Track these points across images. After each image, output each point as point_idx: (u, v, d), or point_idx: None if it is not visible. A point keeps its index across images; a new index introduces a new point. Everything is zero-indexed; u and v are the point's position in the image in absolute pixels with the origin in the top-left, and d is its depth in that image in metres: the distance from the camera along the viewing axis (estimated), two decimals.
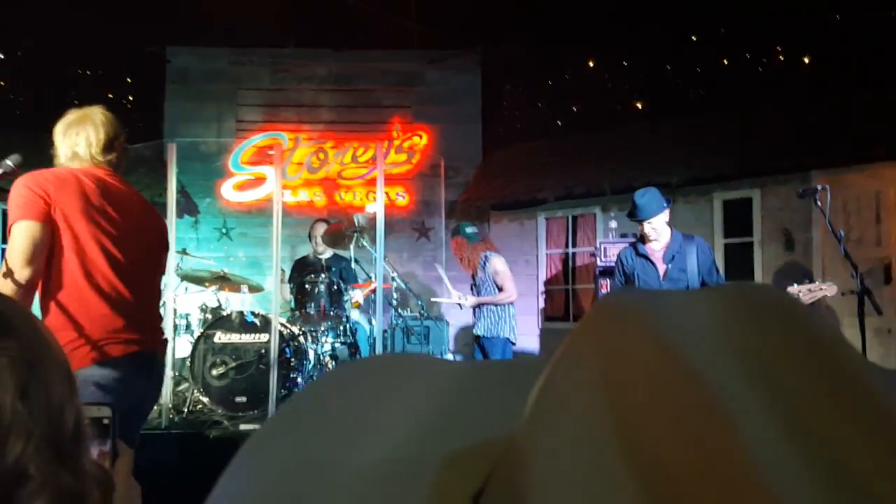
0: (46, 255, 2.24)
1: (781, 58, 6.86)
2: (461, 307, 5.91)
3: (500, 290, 5.72)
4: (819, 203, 3.90)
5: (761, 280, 6.27)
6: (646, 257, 4.32)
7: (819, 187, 3.94)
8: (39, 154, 2.69)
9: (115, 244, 2.39)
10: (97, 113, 2.49)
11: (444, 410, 0.31)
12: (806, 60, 6.68)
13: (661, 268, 4.24)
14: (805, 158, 5.90)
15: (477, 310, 5.79)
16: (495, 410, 0.31)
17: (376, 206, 5.76)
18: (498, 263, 5.74)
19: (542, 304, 7.87)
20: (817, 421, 0.23)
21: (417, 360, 0.39)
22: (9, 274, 2.13)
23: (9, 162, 2.21)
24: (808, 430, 0.22)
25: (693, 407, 0.23)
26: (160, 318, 2.70)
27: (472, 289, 5.92)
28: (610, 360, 0.26)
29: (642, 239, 4.35)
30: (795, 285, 3.84)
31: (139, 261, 2.52)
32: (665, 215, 4.24)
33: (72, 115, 2.48)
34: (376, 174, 6.07)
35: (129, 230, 2.49)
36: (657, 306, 0.28)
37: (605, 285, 6.32)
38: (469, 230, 5.88)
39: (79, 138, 2.42)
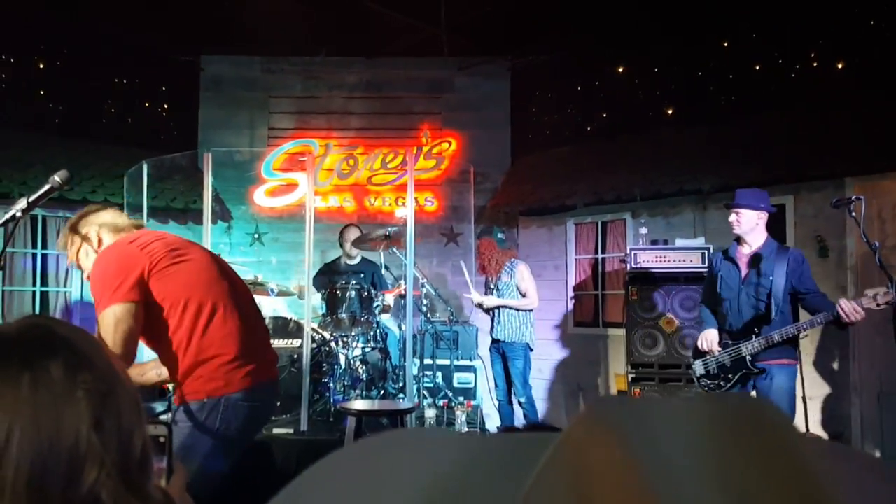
0: (139, 334, 2.27)
1: (815, 63, 6.78)
2: (481, 307, 5.95)
3: (524, 296, 5.80)
4: (853, 213, 3.86)
5: None
6: (732, 260, 4.33)
7: (853, 197, 3.90)
8: (76, 161, 2.79)
9: (215, 274, 2.46)
10: (94, 206, 2.59)
11: (445, 487, 0.32)
12: (840, 66, 6.59)
13: (745, 272, 4.24)
14: (839, 165, 5.82)
15: (496, 314, 5.85)
16: (493, 488, 0.32)
17: (406, 212, 5.82)
18: (525, 270, 5.86)
19: (570, 309, 7.86)
20: None
21: (420, 435, 0.40)
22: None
23: (56, 178, 2.29)
24: None
25: None
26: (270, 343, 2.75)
27: (489, 292, 5.96)
28: (584, 474, 0.28)
29: (737, 241, 4.34)
30: (869, 293, 3.76)
31: (239, 284, 2.59)
32: (758, 216, 4.17)
33: (84, 210, 2.56)
34: (405, 180, 6.14)
35: (213, 259, 2.56)
36: (640, 419, 0.29)
37: (635, 292, 6.30)
38: (500, 235, 6.00)
39: (105, 216, 2.52)
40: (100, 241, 2.48)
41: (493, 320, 5.93)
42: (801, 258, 4.11)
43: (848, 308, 3.72)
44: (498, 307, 5.82)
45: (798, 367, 4.14)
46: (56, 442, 0.72)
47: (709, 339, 4.31)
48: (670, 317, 6.15)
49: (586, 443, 0.29)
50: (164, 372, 2.46)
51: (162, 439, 0.97)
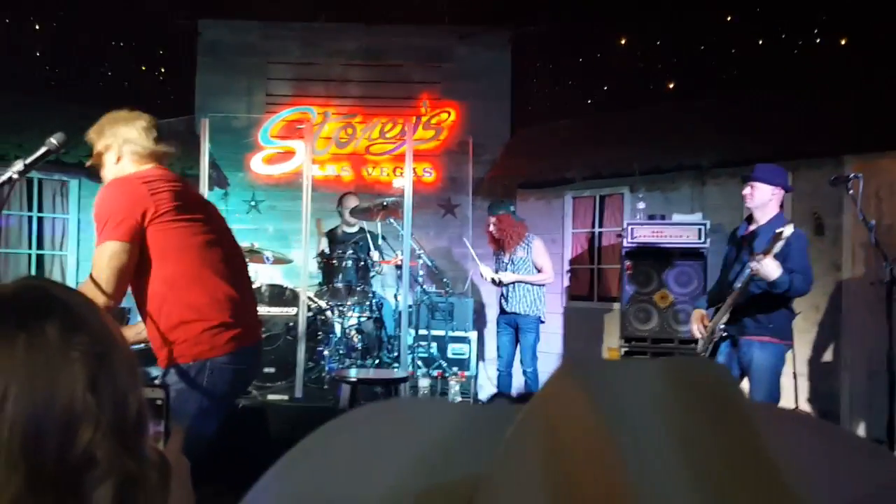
0: (131, 274, 2.30)
1: (817, 40, 6.72)
2: (496, 283, 5.94)
3: (540, 271, 5.82)
4: (851, 191, 3.86)
5: None
6: (735, 239, 4.30)
7: (852, 175, 3.90)
8: (72, 125, 2.76)
9: (212, 235, 2.47)
10: (132, 113, 2.55)
11: (436, 452, 0.34)
12: (842, 43, 6.54)
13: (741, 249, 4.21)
14: (838, 143, 5.81)
15: (510, 288, 5.85)
16: (475, 450, 0.34)
17: (404, 182, 5.80)
18: (541, 245, 5.90)
19: (566, 283, 7.88)
20: (718, 474, 0.27)
21: (413, 404, 0.43)
22: (100, 289, 2.21)
23: (53, 140, 2.27)
24: (708, 481, 0.27)
25: (615, 482, 0.28)
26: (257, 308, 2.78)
27: (502, 267, 5.94)
28: (554, 431, 0.30)
29: (748, 220, 4.29)
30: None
31: (232, 249, 2.61)
32: (772, 191, 4.08)
33: (116, 112, 2.53)
34: (404, 150, 6.11)
35: (214, 220, 2.57)
36: (608, 380, 0.31)
37: (631, 267, 6.32)
38: (512, 208, 6.00)
39: (135, 130, 2.48)
40: (118, 158, 2.49)
41: (505, 294, 5.93)
42: (797, 236, 3.99)
43: (755, 266, 3.75)
44: (514, 283, 5.82)
45: (784, 345, 4.06)
46: (51, 402, 0.72)
47: (691, 319, 4.38)
48: (665, 292, 6.18)
49: (557, 402, 0.31)
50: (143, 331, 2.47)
51: (159, 402, 0.98)
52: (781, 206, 4.26)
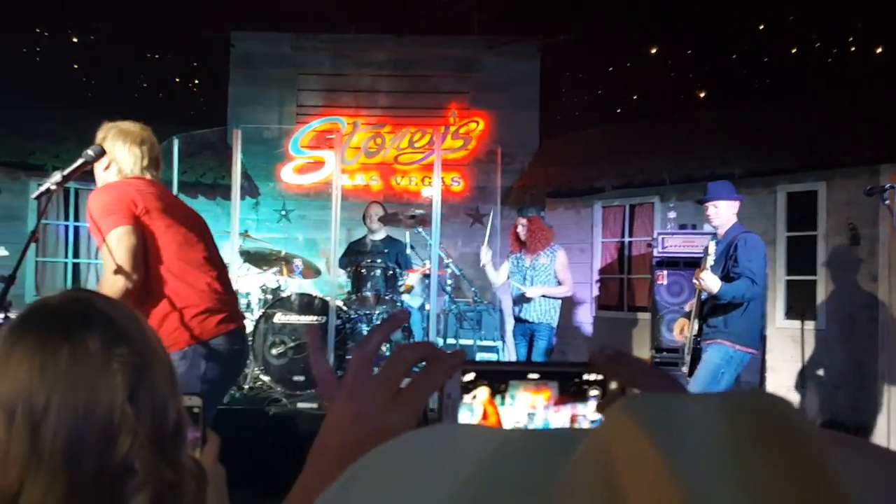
0: (143, 252, 2.42)
1: (852, 48, 6.62)
2: (524, 296, 5.88)
3: (561, 283, 5.76)
4: (888, 201, 3.79)
5: (826, 273, 6.12)
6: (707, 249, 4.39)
7: (888, 186, 3.83)
8: None
9: (194, 232, 2.61)
10: (147, 132, 2.70)
11: (483, 481, 0.33)
12: (878, 51, 6.43)
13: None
14: (873, 152, 5.71)
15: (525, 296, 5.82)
16: (526, 483, 0.33)
17: (432, 192, 5.81)
18: (565, 257, 5.84)
19: (596, 293, 7.83)
20: None
21: (459, 432, 0.41)
22: (120, 272, 2.31)
23: (90, 152, 2.33)
24: None
25: None
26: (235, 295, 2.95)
27: (518, 271, 5.89)
28: (613, 473, 0.29)
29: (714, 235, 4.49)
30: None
31: (212, 244, 2.75)
32: (732, 205, 4.31)
33: (131, 127, 2.66)
34: (432, 159, 6.12)
35: (194, 220, 2.72)
36: (669, 419, 0.29)
37: (662, 276, 6.26)
38: (543, 214, 5.97)
39: (127, 153, 2.61)
40: (107, 167, 2.61)
41: (517, 300, 5.89)
42: (745, 241, 4.13)
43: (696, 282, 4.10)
44: (541, 296, 5.78)
45: (735, 349, 4.14)
46: (92, 412, 0.74)
47: (674, 328, 4.67)
48: (693, 302, 6.10)
49: (615, 443, 0.30)
50: None
51: (196, 410, 0.99)
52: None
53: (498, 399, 0.60)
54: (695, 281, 4.16)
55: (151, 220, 2.44)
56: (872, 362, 5.79)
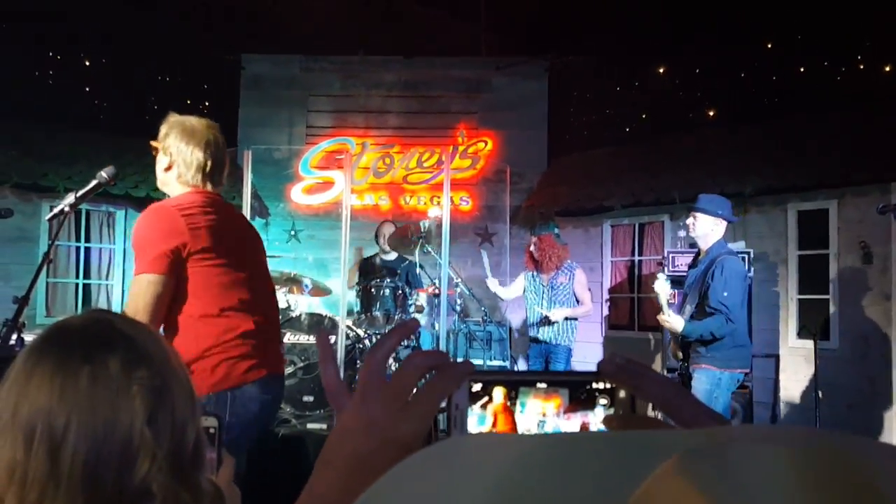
0: (167, 306, 2.30)
1: (861, 66, 6.62)
2: (546, 318, 5.81)
3: (580, 302, 5.71)
4: None
5: (838, 292, 6.07)
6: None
7: None
8: (120, 157, 2.86)
9: (243, 270, 2.46)
10: (214, 131, 2.50)
11: (513, 490, 0.32)
12: (886, 68, 6.43)
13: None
14: (885, 170, 5.68)
15: (542, 316, 5.77)
16: (559, 490, 0.32)
17: (441, 211, 5.82)
18: (583, 276, 5.83)
19: (606, 312, 7.79)
20: None
21: (481, 442, 0.40)
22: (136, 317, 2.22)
23: (103, 174, 2.34)
24: None
25: None
26: (281, 337, 2.79)
27: (535, 290, 5.85)
28: None
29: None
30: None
31: (262, 282, 2.60)
32: (714, 222, 4.21)
33: (196, 125, 2.47)
34: (441, 179, 6.14)
35: (249, 252, 2.57)
36: (729, 474, 0.27)
37: (673, 296, 6.22)
38: (556, 230, 5.91)
39: (190, 155, 2.44)
40: (168, 168, 2.48)
41: (536, 321, 5.83)
42: (721, 268, 4.01)
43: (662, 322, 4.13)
44: (563, 318, 5.73)
45: (722, 373, 4.07)
46: (111, 434, 0.73)
47: (669, 350, 4.74)
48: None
49: (677, 496, 0.27)
50: None
51: (212, 430, 0.99)
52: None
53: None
54: (658, 318, 4.17)
55: (196, 260, 2.31)
56: (886, 381, 5.73)
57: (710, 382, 4.08)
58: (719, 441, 0.32)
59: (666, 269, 6.21)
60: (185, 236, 2.27)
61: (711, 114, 7.85)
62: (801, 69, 7.06)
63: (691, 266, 4.45)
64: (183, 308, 2.35)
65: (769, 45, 7.31)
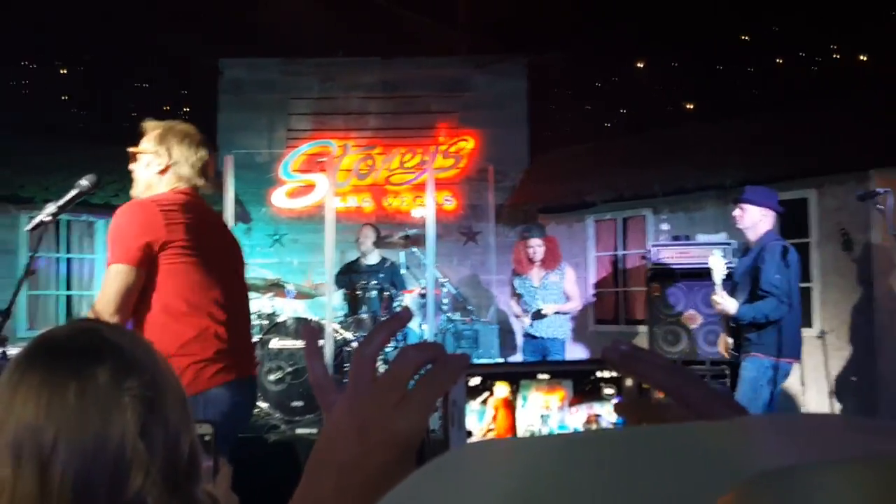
0: (136, 298, 2.30)
1: (837, 56, 6.70)
2: (539, 313, 5.86)
3: (570, 298, 5.80)
4: (880, 206, 3.81)
5: (820, 280, 6.13)
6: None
7: (880, 191, 3.85)
8: (98, 166, 2.81)
9: (216, 272, 2.46)
10: (199, 135, 2.53)
11: (530, 493, 0.30)
12: (862, 58, 6.51)
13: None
14: (862, 157, 5.75)
15: (538, 312, 5.82)
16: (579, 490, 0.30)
17: (424, 212, 5.81)
18: (573, 274, 5.93)
19: (592, 306, 7.82)
20: None
21: (507, 445, 0.38)
22: (96, 316, 2.20)
23: (84, 182, 2.31)
24: None
25: None
26: (252, 341, 2.77)
27: (524, 291, 5.87)
28: None
29: None
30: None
31: (235, 286, 2.59)
32: (761, 213, 4.14)
33: (188, 128, 2.50)
34: (424, 179, 6.14)
35: (225, 255, 2.57)
36: (800, 500, 0.25)
37: (657, 289, 6.25)
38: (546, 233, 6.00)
39: (192, 155, 2.46)
40: (162, 171, 2.47)
41: (532, 317, 5.87)
42: (772, 253, 3.99)
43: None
44: (554, 312, 5.80)
45: (770, 360, 3.99)
46: (101, 449, 0.72)
47: (718, 341, 4.46)
48: (693, 313, 6.10)
49: None
50: None
51: (207, 438, 0.97)
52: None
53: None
54: (712, 300, 4.07)
55: (170, 256, 2.30)
56: (870, 367, 5.80)
57: (757, 370, 3.99)
58: (774, 455, 0.29)
59: (650, 262, 6.24)
60: (161, 231, 2.27)
61: (690, 107, 7.92)
62: (778, 62, 7.13)
63: (742, 256, 4.40)
64: (154, 303, 2.34)
65: (746, 39, 7.37)
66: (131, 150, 2.48)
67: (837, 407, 5.94)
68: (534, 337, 5.86)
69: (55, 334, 0.80)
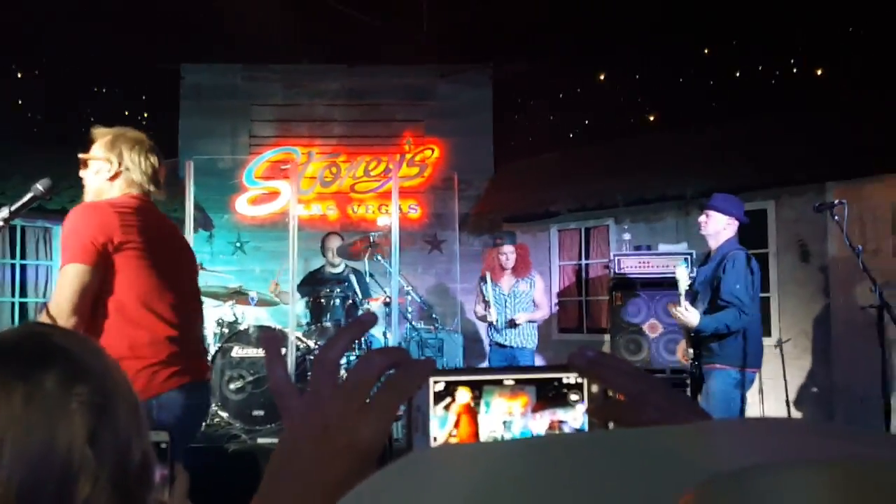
0: (93, 298, 2.27)
1: (794, 69, 6.86)
2: (511, 322, 5.83)
3: (539, 307, 5.81)
4: (836, 217, 3.90)
5: (778, 290, 6.25)
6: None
7: (836, 202, 3.94)
8: (55, 171, 2.74)
9: (169, 276, 2.45)
10: (149, 142, 2.53)
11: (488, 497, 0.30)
12: (819, 71, 6.68)
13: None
14: (820, 170, 5.89)
15: (506, 321, 5.81)
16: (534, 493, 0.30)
17: (390, 220, 5.80)
18: (542, 283, 5.97)
19: (555, 315, 7.87)
20: None
21: (450, 453, 0.37)
22: (52, 318, 2.17)
23: (39, 186, 2.25)
24: None
25: None
26: (205, 346, 2.76)
27: (494, 299, 5.85)
28: None
29: None
30: None
31: (187, 290, 2.59)
32: (727, 220, 4.15)
33: (139, 135, 2.51)
34: (388, 187, 6.12)
35: (177, 260, 2.57)
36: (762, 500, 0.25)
37: (619, 298, 6.31)
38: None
39: (143, 162, 2.46)
40: (114, 177, 2.46)
41: (500, 328, 5.85)
42: (733, 262, 4.00)
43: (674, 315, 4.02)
44: (526, 321, 5.80)
45: (736, 371, 4.00)
46: (48, 457, 0.69)
47: (677, 350, 4.47)
48: (654, 322, 6.17)
49: None
50: None
51: (163, 445, 0.94)
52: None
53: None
54: (672, 311, 4.02)
55: (123, 258, 2.29)
56: (826, 376, 5.92)
57: (726, 382, 3.98)
58: (735, 458, 0.29)
59: (612, 270, 6.30)
60: (116, 231, 2.27)
61: (652, 118, 8.02)
62: (738, 74, 7.27)
63: (702, 265, 4.38)
64: (108, 305, 2.32)
65: (706, 51, 7.51)
66: (82, 156, 2.48)
67: (795, 415, 6.05)
68: (502, 346, 5.86)
69: (2, 338, 0.77)
